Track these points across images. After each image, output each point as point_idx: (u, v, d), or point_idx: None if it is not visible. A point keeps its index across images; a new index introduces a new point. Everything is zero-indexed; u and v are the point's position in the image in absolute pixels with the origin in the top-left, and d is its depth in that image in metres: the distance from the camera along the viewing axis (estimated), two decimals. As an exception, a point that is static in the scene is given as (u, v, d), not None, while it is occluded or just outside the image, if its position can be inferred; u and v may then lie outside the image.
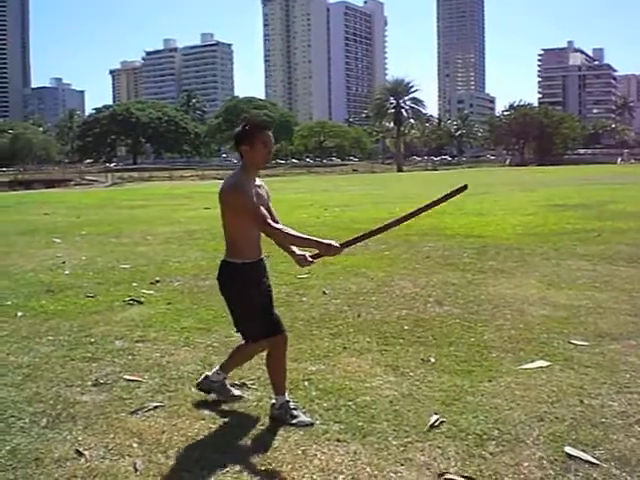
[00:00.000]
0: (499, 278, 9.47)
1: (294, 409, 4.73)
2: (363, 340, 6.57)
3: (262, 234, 4.69)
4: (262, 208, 4.56)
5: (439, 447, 4.19)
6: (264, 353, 4.94)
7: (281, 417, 4.70)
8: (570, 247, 12.13)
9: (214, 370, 5.21)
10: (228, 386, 5.20)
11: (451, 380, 5.36)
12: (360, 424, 4.54)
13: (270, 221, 4.54)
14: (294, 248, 4.85)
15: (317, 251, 4.60)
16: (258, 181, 4.77)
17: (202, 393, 5.16)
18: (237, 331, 4.94)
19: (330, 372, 5.64)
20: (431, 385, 5.27)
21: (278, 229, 4.55)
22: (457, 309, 7.72)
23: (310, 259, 4.78)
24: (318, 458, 4.10)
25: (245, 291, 4.67)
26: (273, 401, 4.86)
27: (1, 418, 4.80)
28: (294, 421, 4.64)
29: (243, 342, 4.97)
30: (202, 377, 5.22)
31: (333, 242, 4.48)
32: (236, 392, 5.20)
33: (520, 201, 23.56)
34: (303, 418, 4.68)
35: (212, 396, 5.13)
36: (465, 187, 4.80)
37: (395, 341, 6.51)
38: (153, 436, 4.45)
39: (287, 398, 4.80)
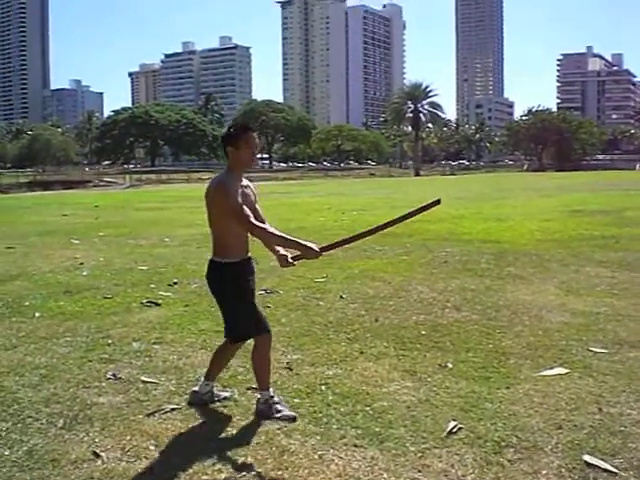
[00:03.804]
0: (517, 284, 9.43)
1: (278, 403, 4.86)
2: (380, 345, 6.54)
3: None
4: (246, 207, 4.64)
5: (457, 454, 4.17)
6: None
7: (265, 412, 4.84)
8: (589, 253, 12.06)
9: (200, 383, 5.23)
10: (217, 392, 5.24)
11: (469, 386, 5.34)
12: (377, 429, 4.52)
13: (253, 220, 4.65)
14: (278, 248, 4.93)
15: (299, 252, 4.73)
16: (245, 181, 4.90)
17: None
18: (226, 335, 5.04)
19: (347, 377, 5.62)
20: (449, 391, 5.24)
21: (261, 228, 4.70)
22: (475, 315, 7.69)
23: (291, 260, 4.87)
24: (335, 463, 4.08)
25: (229, 290, 4.84)
26: (258, 396, 4.99)
27: (18, 419, 4.82)
28: (278, 415, 4.78)
29: (222, 344, 5.11)
30: (191, 394, 5.22)
31: (314, 245, 4.67)
32: (226, 394, 5.28)
33: (538, 206, 23.45)
34: (287, 412, 4.82)
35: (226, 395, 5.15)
36: (438, 202, 5.09)
37: (412, 346, 6.48)
38: (170, 438, 4.46)
39: (271, 393, 4.92)
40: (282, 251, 4.92)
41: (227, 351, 5.15)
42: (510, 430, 4.48)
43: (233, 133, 4.82)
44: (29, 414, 4.90)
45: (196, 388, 5.23)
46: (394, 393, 5.21)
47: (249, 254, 4.96)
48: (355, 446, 4.30)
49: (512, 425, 4.56)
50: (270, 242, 4.90)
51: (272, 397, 4.90)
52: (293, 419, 4.73)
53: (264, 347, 4.93)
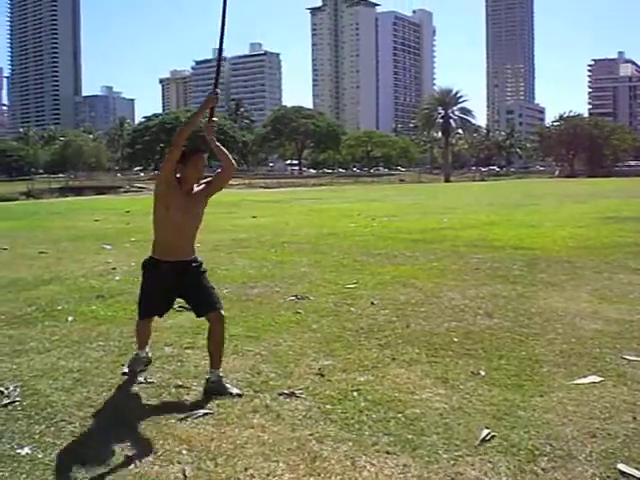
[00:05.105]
0: (550, 291, 9.35)
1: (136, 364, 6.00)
2: (412, 351, 6.52)
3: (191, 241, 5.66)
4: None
5: (490, 462, 4.13)
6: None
7: (132, 365, 5.97)
8: (622, 261, 11.93)
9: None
10: (225, 383, 5.49)
11: (502, 394, 5.30)
12: (410, 437, 4.50)
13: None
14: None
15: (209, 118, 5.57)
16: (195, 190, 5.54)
17: (250, 401, 5.19)
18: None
19: (379, 383, 5.60)
20: (481, 399, 5.20)
21: (173, 141, 5.36)
22: (507, 322, 7.63)
23: (209, 126, 5.63)
24: (367, 470, 4.07)
25: (142, 276, 5.70)
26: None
27: (52, 422, 4.86)
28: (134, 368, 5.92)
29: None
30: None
31: (204, 100, 5.53)
32: (234, 390, 5.41)
33: (570, 213, 23.28)
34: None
35: (259, 403, 5.14)
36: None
37: (444, 353, 6.45)
38: (202, 443, 4.46)
39: (139, 353, 6.03)
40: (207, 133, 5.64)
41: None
42: (544, 438, 4.44)
43: (185, 153, 5.36)
44: (62, 417, 4.94)
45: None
46: (426, 400, 5.19)
47: (179, 259, 5.51)
48: (387, 453, 4.28)
49: (546, 433, 4.52)
50: (183, 138, 5.36)
51: (139, 355, 6.01)
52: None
53: (138, 324, 5.94)
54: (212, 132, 5.60)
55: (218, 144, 5.58)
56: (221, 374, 5.51)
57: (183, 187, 5.42)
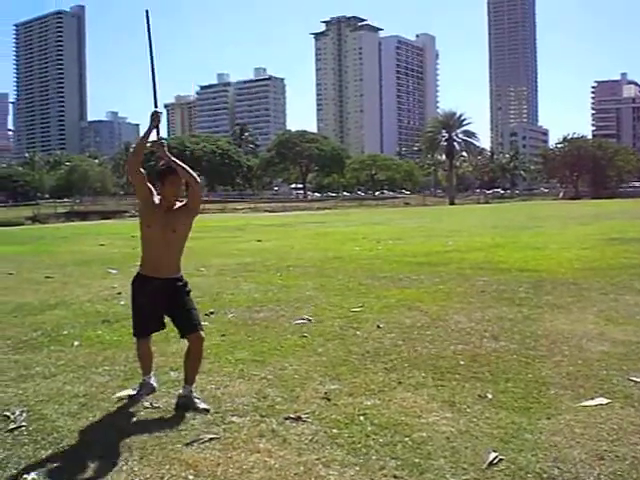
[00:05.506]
0: (556, 313, 9.33)
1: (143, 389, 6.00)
2: (418, 375, 6.50)
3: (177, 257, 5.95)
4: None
5: (498, 485, 4.11)
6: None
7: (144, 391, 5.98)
8: (628, 282, 11.91)
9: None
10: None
11: (509, 417, 5.27)
12: (417, 460, 4.48)
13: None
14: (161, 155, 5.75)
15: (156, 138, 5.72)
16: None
17: (257, 425, 5.17)
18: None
19: (385, 407, 5.58)
20: (488, 422, 5.18)
21: (129, 159, 5.79)
22: (514, 344, 7.61)
23: (158, 142, 5.73)
24: (375, 494, 4.05)
25: (131, 293, 6.04)
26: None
27: (58, 447, 4.85)
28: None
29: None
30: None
31: (149, 120, 5.61)
32: (202, 405, 5.61)
33: (576, 235, 23.24)
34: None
35: (266, 428, 5.13)
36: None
37: (451, 376, 6.43)
38: (208, 468, 4.45)
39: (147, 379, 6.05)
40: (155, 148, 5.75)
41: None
42: (551, 461, 4.42)
43: (161, 172, 5.67)
44: (68, 442, 4.94)
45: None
46: (433, 424, 5.17)
47: (167, 276, 5.81)
48: (395, 477, 4.26)
49: (553, 456, 4.50)
50: (140, 156, 5.72)
51: (145, 381, 6.03)
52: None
53: (137, 347, 6.13)
54: (163, 150, 5.70)
55: (175, 160, 5.71)
56: (193, 390, 5.74)
57: (163, 204, 5.67)
